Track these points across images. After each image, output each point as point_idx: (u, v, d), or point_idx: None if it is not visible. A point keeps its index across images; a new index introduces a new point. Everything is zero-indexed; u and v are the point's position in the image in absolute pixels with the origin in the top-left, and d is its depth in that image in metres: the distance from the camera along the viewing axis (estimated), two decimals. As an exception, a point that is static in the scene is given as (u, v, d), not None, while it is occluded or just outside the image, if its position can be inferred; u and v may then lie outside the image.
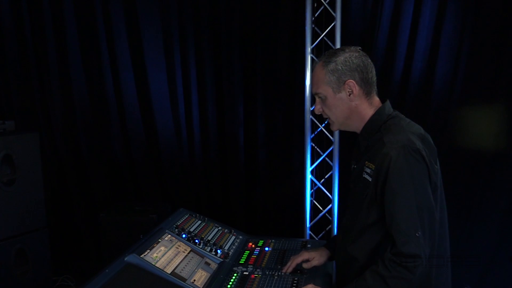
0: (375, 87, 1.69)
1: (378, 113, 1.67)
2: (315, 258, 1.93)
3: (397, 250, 1.51)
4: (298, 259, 1.94)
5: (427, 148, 1.57)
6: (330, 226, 3.56)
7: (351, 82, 1.63)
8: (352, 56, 1.63)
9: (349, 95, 1.65)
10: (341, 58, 1.63)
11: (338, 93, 1.65)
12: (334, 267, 1.97)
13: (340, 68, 1.63)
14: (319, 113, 1.73)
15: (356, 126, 1.70)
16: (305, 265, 1.92)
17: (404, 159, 1.51)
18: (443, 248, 1.68)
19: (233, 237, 2.30)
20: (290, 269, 1.94)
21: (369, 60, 1.66)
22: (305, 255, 1.95)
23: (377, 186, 1.56)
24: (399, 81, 3.42)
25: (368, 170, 1.61)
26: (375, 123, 1.66)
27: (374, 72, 1.67)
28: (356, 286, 1.57)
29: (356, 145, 1.77)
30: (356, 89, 1.63)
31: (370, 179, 1.59)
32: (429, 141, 1.63)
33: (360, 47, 1.68)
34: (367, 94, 1.67)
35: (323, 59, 1.67)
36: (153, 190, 3.99)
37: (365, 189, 1.61)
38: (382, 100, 1.72)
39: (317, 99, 1.71)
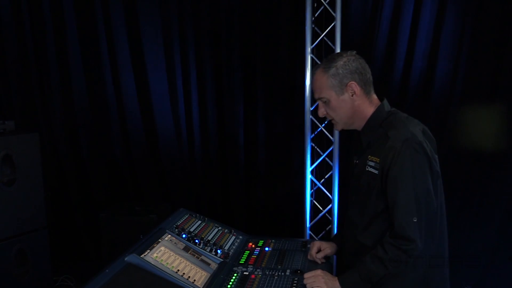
0: (373, 86, 1.82)
1: (378, 110, 1.79)
2: (327, 247, 2.04)
3: (394, 233, 1.64)
4: (313, 250, 2.04)
5: (428, 140, 1.70)
6: (330, 226, 3.56)
7: (353, 84, 1.75)
8: (350, 59, 1.76)
9: (352, 96, 1.77)
10: (340, 62, 1.76)
11: (341, 95, 1.77)
12: (335, 262, 2.00)
13: (341, 71, 1.75)
14: (323, 116, 1.84)
15: (359, 124, 1.82)
16: (318, 255, 2.02)
17: (407, 152, 1.62)
18: (442, 249, 1.76)
19: (233, 237, 2.30)
20: (317, 256, 2.03)
21: (365, 62, 1.80)
22: (317, 244, 2.06)
23: (383, 177, 1.68)
24: (399, 81, 3.42)
25: (372, 164, 1.72)
26: (376, 120, 1.78)
27: (370, 72, 1.81)
28: (358, 269, 1.70)
29: (357, 141, 1.87)
30: (358, 89, 1.76)
31: (376, 172, 1.70)
32: (428, 133, 1.76)
33: (355, 51, 1.81)
34: (367, 93, 1.80)
35: (323, 65, 1.79)
36: (153, 190, 3.99)
37: (372, 181, 1.72)
38: (380, 99, 1.84)
39: (320, 103, 1.82)
